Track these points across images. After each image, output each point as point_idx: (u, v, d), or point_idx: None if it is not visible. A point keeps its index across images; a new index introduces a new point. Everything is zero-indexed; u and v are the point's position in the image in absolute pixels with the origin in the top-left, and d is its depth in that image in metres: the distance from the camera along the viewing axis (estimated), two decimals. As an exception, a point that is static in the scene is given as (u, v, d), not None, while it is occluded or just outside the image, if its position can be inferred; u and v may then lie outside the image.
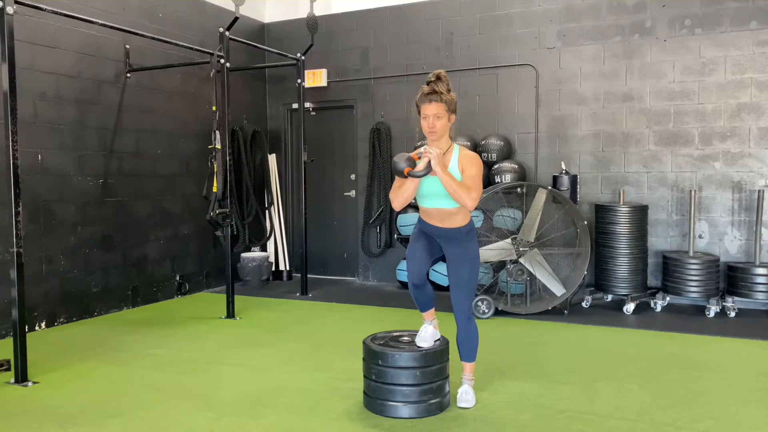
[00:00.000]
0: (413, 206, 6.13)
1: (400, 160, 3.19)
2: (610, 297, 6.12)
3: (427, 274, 3.58)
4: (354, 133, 7.53)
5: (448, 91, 3.24)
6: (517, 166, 6.37)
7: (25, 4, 4.16)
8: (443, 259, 3.48)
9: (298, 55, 6.68)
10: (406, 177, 3.21)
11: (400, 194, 3.29)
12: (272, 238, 7.65)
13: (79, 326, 5.39)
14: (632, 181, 6.27)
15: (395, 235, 7.14)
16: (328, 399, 3.58)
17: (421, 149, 3.26)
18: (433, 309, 3.51)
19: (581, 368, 4.11)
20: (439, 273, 6.47)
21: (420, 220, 3.46)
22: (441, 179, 3.15)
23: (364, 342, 3.46)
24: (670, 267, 5.78)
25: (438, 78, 3.24)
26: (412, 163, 3.18)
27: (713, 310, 5.57)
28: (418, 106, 3.27)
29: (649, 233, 6.08)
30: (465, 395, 3.46)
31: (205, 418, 3.33)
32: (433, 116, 3.21)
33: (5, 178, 3.91)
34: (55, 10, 4.44)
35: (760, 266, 5.59)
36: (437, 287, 6.15)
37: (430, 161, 3.14)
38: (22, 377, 3.89)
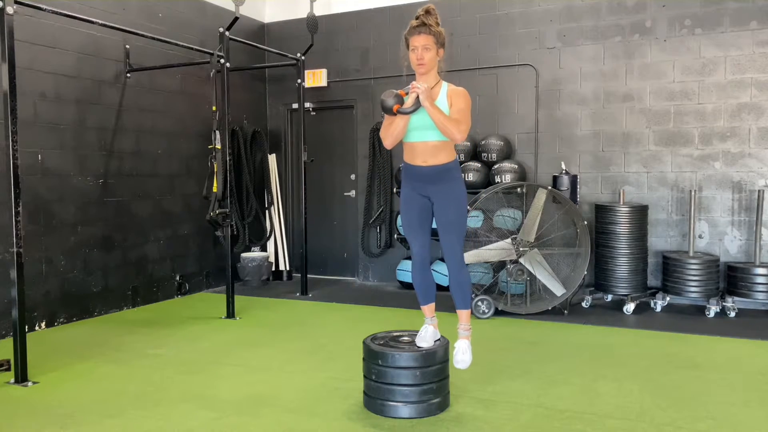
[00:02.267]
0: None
1: (388, 97, 3.16)
2: (610, 297, 6.12)
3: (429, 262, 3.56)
4: (354, 133, 7.53)
5: (437, 24, 3.26)
6: (517, 166, 6.37)
7: (25, 4, 4.15)
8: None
9: (298, 55, 6.68)
10: (395, 114, 3.18)
11: (390, 132, 3.28)
12: (272, 238, 7.65)
13: (79, 326, 5.39)
14: (632, 181, 6.27)
15: (395, 235, 7.14)
16: (328, 399, 3.58)
17: (409, 85, 3.23)
18: (433, 304, 3.51)
19: (581, 368, 4.11)
20: (440, 273, 6.48)
21: (405, 166, 3.41)
22: (429, 113, 3.13)
23: (364, 342, 3.46)
24: (670, 267, 5.78)
25: (427, 12, 3.26)
26: (400, 99, 3.16)
27: (713, 310, 5.57)
28: (407, 39, 3.27)
29: (649, 233, 6.08)
30: (461, 354, 3.41)
31: (205, 418, 3.33)
32: (422, 47, 3.21)
33: (5, 178, 3.91)
34: (55, 10, 4.44)
35: (760, 266, 5.59)
36: (437, 287, 6.13)
37: (418, 96, 3.11)
38: (22, 377, 3.89)
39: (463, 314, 3.48)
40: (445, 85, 3.30)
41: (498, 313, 5.59)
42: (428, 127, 3.22)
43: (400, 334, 3.59)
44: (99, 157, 5.77)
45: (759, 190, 5.71)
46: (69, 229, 5.48)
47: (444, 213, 3.34)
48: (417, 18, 3.25)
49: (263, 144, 7.48)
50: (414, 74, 3.36)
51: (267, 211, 7.58)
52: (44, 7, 4.36)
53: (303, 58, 6.70)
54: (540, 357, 4.37)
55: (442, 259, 6.59)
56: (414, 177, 3.37)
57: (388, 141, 3.31)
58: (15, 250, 3.86)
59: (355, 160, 7.54)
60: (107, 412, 3.41)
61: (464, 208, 3.38)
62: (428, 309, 3.50)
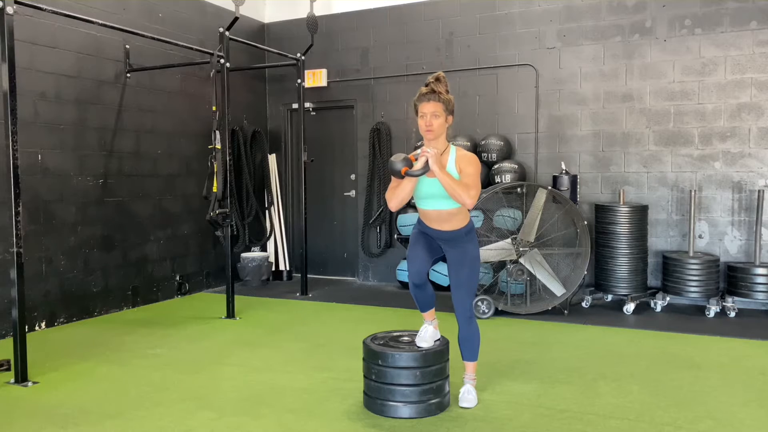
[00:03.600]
0: (413, 206, 6.13)
1: (396, 160, 3.18)
2: (610, 297, 6.12)
3: (428, 275, 3.58)
4: (354, 133, 7.53)
5: (447, 92, 3.26)
6: (517, 166, 6.37)
7: (25, 4, 4.15)
8: (444, 259, 3.48)
9: (298, 55, 6.68)
10: (402, 177, 3.20)
11: (396, 194, 3.29)
12: (272, 238, 7.65)
13: (79, 326, 5.39)
14: (632, 181, 6.27)
15: (395, 235, 7.14)
16: (328, 399, 3.58)
17: (418, 151, 3.26)
18: (433, 309, 3.51)
19: (581, 368, 4.11)
20: (439, 273, 6.47)
21: (419, 221, 3.46)
22: (439, 178, 3.14)
23: (364, 342, 3.46)
24: (670, 267, 5.78)
25: (437, 79, 3.27)
26: (409, 163, 3.18)
27: (713, 310, 5.57)
28: (416, 105, 3.29)
29: (649, 233, 6.08)
30: (467, 395, 3.46)
31: (205, 418, 3.33)
32: (431, 114, 3.22)
33: (5, 178, 3.91)
34: (55, 10, 4.44)
35: (760, 266, 5.59)
36: (437, 287, 6.15)
37: (427, 161, 3.13)
38: (22, 377, 3.89)
39: (470, 366, 3.51)
40: (453, 150, 3.32)
41: (498, 313, 5.59)
42: (439, 196, 3.23)
43: (400, 334, 3.59)
44: (99, 157, 5.77)
45: (759, 190, 5.71)
46: (69, 229, 5.48)
47: (457, 273, 3.38)
48: (427, 85, 3.27)
49: (263, 144, 7.48)
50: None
51: (267, 211, 7.58)
52: (44, 7, 4.36)
53: (303, 58, 6.70)
54: (540, 357, 4.37)
55: (441, 258, 6.58)
56: (428, 233, 3.41)
57: (393, 203, 3.31)
58: (15, 250, 3.86)
59: (355, 160, 7.54)
60: (107, 412, 3.41)
61: (477, 267, 3.42)
62: (428, 315, 3.50)
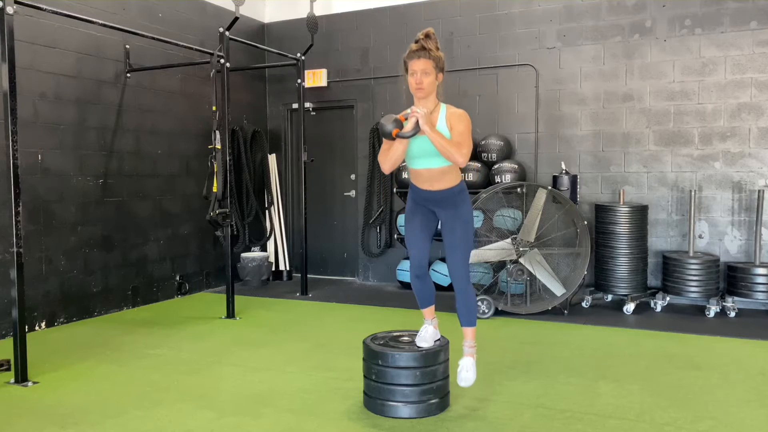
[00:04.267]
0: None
1: (387, 122, 3.13)
2: (610, 297, 6.12)
3: (428, 266, 3.55)
4: (354, 133, 7.53)
5: (437, 48, 3.20)
6: (517, 166, 6.37)
7: (25, 4, 4.15)
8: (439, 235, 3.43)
9: (298, 55, 6.68)
10: (394, 139, 3.16)
11: (389, 157, 3.25)
12: (272, 238, 7.65)
13: (79, 326, 5.39)
14: (632, 181, 6.27)
15: (395, 235, 7.14)
16: (328, 399, 3.58)
17: (408, 110, 3.22)
18: (432, 306, 3.50)
19: (581, 368, 4.11)
20: (439, 273, 6.48)
21: (411, 186, 3.40)
22: (430, 138, 3.10)
23: (364, 342, 3.46)
24: (670, 267, 5.78)
25: (427, 36, 3.20)
26: (400, 124, 3.13)
27: (713, 310, 5.57)
28: (406, 63, 3.23)
29: (649, 233, 6.08)
30: (465, 372, 3.37)
31: (205, 418, 3.33)
32: (421, 72, 3.17)
33: (5, 178, 3.92)
34: (55, 10, 4.44)
35: (760, 266, 5.59)
36: (437, 287, 6.14)
37: (417, 121, 3.09)
38: (22, 377, 3.89)
39: (469, 331, 3.45)
40: (444, 109, 3.26)
41: (498, 313, 5.59)
42: (430, 154, 3.19)
43: (400, 334, 3.59)
44: (99, 157, 5.77)
45: (759, 190, 5.71)
46: (69, 229, 5.48)
47: (450, 233, 3.32)
48: (416, 42, 3.21)
49: (263, 144, 7.48)
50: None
51: (267, 211, 7.58)
52: (44, 7, 4.35)
53: (303, 58, 6.70)
54: (540, 357, 4.37)
55: (441, 259, 6.59)
56: (420, 198, 3.37)
57: (386, 165, 3.28)
58: (15, 250, 3.86)
59: (355, 160, 7.54)
60: (107, 412, 3.41)
61: (471, 228, 3.36)
62: (428, 312, 3.49)
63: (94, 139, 5.72)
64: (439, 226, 3.42)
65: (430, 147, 3.15)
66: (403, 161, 3.34)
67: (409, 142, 3.19)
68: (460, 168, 3.27)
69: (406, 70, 3.24)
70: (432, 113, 3.20)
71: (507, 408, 3.42)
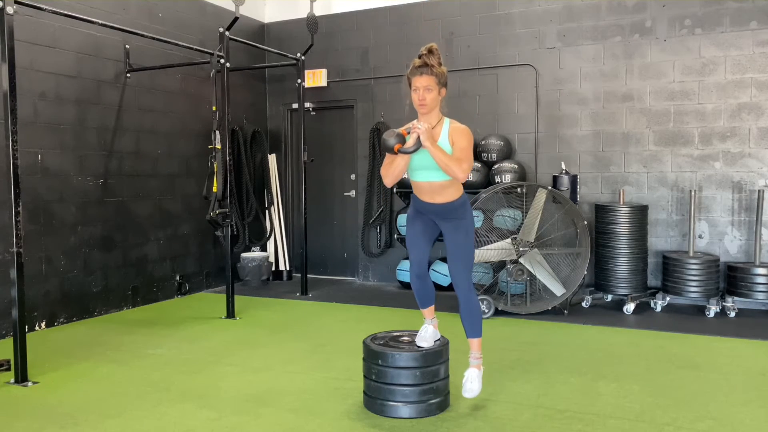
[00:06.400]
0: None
1: (389, 137, 3.16)
2: (610, 297, 6.12)
3: (428, 266, 3.56)
4: (354, 133, 7.53)
5: (440, 64, 3.22)
6: (517, 166, 6.37)
7: (25, 4, 4.15)
8: (441, 242, 3.44)
9: (298, 55, 6.68)
10: (396, 154, 3.19)
11: (391, 171, 3.27)
12: (272, 238, 7.65)
13: (79, 326, 5.39)
14: (632, 181, 6.27)
15: (395, 235, 7.14)
16: (328, 399, 3.58)
17: (410, 123, 3.24)
18: (433, 307, 3.50)
19: (581, 368, 4.11)
20: (439, 273, 6.48)
21: (413, 197, 3.43)
22: (431, 153, 3.12)
23: (364, 342, 3.46)
24: (670, 267, 5.78)
25: (430, 51, 3.22)
26: (402, 139, 3.16)
27: (713, 310, 5.57)
28: (409, 78, 3.25)
29: (649, 233, 6.08)
30: (469, 383, 3.37)
31: (205, 418, 3.33)
32: (424, 88, 3.19)
33: (5, 178, 3.91)
34: (55, 10, 4.44)
35: (760, 266, 5.59)
36: (437, 287, 6.14)
37: (419, 136, 3.12)
38: (22, 377, 3.89)
39: (474, 342, 3.45)
40: (446, 123, 3.29)
41: (498, 313, 5.59)
42: (432, 167, 3.21)
43: (400, 334, 3.59)
44: (99, 157, 5.77)
45: (759, 190, 5.71)
46: (69, 229, 5.48)
47: (452, 243, 3.35)
48: (419, 57, 3.23)
49: (263, 144, 7.48)
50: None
51: (267, 211, 7.58)
52: (44, 7, 4.35)
53: (303, 58, 6.70)
54: (540, 357, 4.37)
55: (441, 259, 6.59)
56: (422, 209, 3.39)
57: (388, 179, 3.31)
58: (15, 250, 3.86)
59: (355, 160, 7.54)
60: (107, 412, 3.41)
61: (472, 238, 3.38)
62: (428, 312, 3.50)
63: (94, 139, 5.72)
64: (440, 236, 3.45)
65: (432, 161, 3.18)
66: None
67: (411, 155, 3.22)
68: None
69: (410, 85, 3.27)
70: (434, 128, 3.24)
71: (507, 408, 3.42)
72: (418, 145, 3.12)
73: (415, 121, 3.22)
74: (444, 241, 3.40)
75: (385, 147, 3.18)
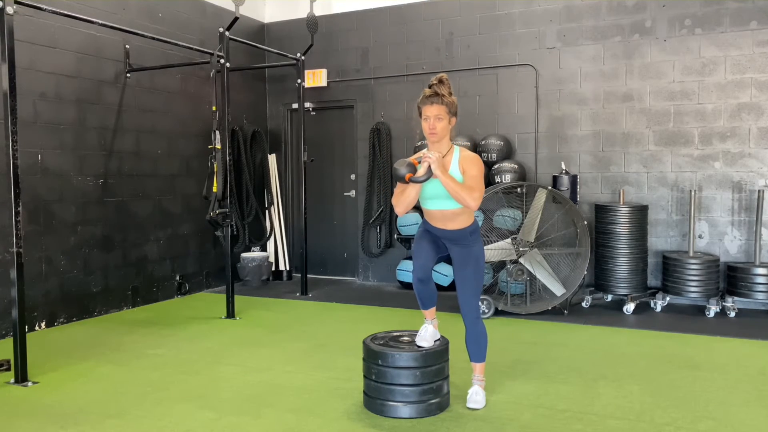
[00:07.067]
0: (414, 206, 6.16)
1: (400, 166, 3.20)
2: (610, 297, 6.12)
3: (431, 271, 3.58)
4: (354, 133, 7.53)
5: (450, 94, 3.28)
6: (517, 166, 6.37)
7: (25, 4, 4.15)
8: (448, 259, 3.49)
9: (298, 55, 6.68)
10: (407, 183, 3.22)
11: (402, 200, 3.32)
12: (272, 238, 7.65)
13: (79, 326, 5.39)
14: (632, 181, 6.27)
15: (395, 235, 7.14)
16: (328, 399, 3.58)
17: (421, 153, 3.28)
18: (434, 308, 3.51)
19: (581, 368, 4.11)
20: (440, 273, 6.48)
21: (424, 221, 3.48)
22: (442, 182, 3.16)
23: (364, 342, 3.46)
24: (670, 267, 5.77)
25: (440, 81, 3.28)
26: (413, 168, 3.20)
27: (713, 310, 5.57)
28: (420, 108, 3.30)
29: (649, 233, 6.08)
30: (475, 396, 3.44)
31: (205, 418, 3.33)
32: (434, 117, 3.24)
33: (5, 178, 3.91)
34: (55, 10, 4.44)
35: (760, 266, 5.59)
36: (438, 288, 6.13)
37: (430, 166, 3.15)
38: (22, 377, 3.89)
39: (478, 367, 3.49)
40: (457, 151, 3.32)
41: (498, 313, 5.59)
42: (443, 196, 3.25)
43: (400, 334, 3.59)
44: (99, 157, 5.77)
45: (759, 190, 5.71)
46: (69, 229, 5.48)
47: (462, 270, 3.39)
48: (430, 87, 3.28)
49: (263, 144, 7.48)
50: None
51: (267, 211, 7.58)
52: (44, 7, 4.35)
53: (303, 58, 6.70)
54: (540, 357, 4.38)
55: (441, 259, 6.59)
56: (433, 233, 3.42)
57: (400, 208, 3.35)
58: (15, 250, 3.87)
59: (355, 160, 7.54)
60: (107, 412, 3.41)
61: (481, 267, 3.41)
62: (429, 312, 3.51)
63: (94, 139, 5.72)
64: (446, 255, 3.48)
65: (443, 189, 3.21)
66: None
67: (423, 184, 3.25)
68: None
69: (420, 114, 3.30)
70: (445, 157, 3.28)
71: (507, 408, 3.42)
72: (429, 174, 3.16)
73: (425, 150, 3.27)
74: (453, 267, 3.45)
75: (396, 176, 3.22)
